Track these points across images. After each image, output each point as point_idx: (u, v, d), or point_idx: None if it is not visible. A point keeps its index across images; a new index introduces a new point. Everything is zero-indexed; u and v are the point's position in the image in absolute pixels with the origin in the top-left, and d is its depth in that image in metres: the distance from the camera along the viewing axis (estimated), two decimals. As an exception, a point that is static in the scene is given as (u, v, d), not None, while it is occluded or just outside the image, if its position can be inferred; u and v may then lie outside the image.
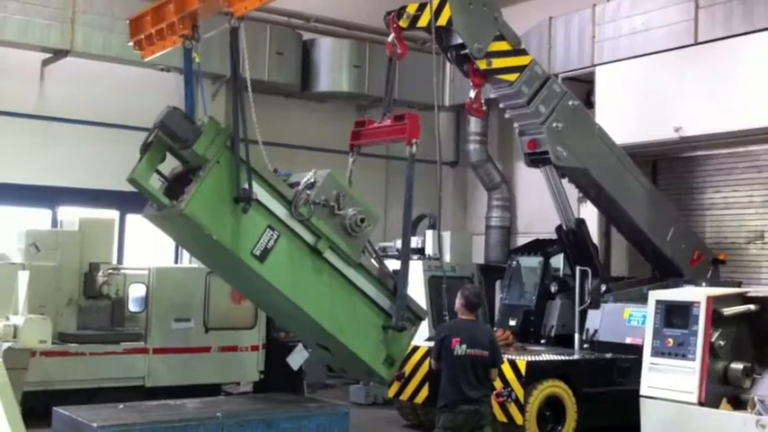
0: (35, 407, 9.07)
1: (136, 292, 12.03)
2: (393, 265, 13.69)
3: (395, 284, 8.09)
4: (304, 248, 7.59)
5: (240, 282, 8.53)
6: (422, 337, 10.49)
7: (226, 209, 7.22)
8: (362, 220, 7.70)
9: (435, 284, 13.08)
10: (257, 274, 7.45)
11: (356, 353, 8.05)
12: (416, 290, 11.95)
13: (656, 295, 8.69)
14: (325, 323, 7.80)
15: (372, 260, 8.22)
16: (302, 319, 7.83)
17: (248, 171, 7.23)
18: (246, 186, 7.20)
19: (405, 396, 11.31)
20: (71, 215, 13.16)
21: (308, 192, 7.50)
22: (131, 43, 8.57)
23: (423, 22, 10.58)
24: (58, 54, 14.97)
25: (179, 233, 8.01)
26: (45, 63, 15.34)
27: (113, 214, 14.65)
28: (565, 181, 12.41)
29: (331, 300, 7.78)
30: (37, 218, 15.18)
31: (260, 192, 7.35)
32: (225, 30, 7.43)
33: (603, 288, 12.13)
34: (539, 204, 15.70)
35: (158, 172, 7.60)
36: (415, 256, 13.61)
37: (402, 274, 8.09)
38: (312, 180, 7.59)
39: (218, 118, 7.65)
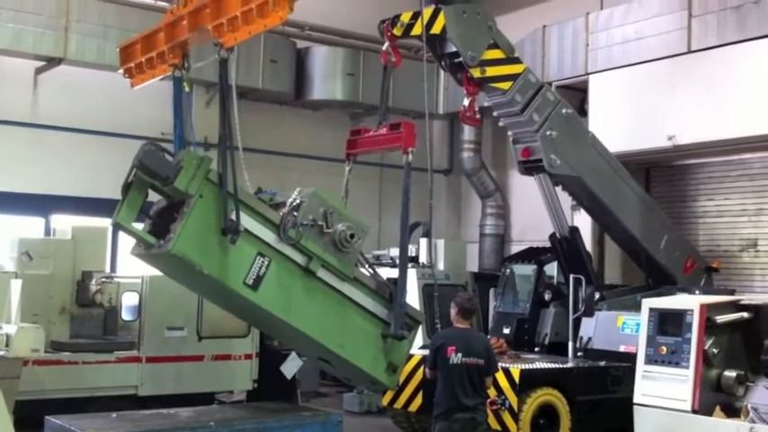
0: (27, 416, 9.02)
1: (129, 300, 11.99)
2: (387, 273, 13.76)
3: (390, 292, 8.07)
4: (296, 270, 7.52)
5: (235, 308, 8.51)
6: (416, 345, 10.48)
7: (214, 242, 7.11)
8: (352, 236, 7.64)
9: (429, 292, 13.08)
10: (252, 303, 7.42)
11: (358, 365, 8.05)
12: (411, 298, 11.92)
13: (649, 303, 8.70)
14: (324, 341, 7.79)
15: (366, 268, 8.20)
16: (302, 337, 7.83)
17: (236, 203, 7.11)
18: (233, 218, 7.10)
19: (399, 404, 11.29)
20: (64, 223, 13.12)
21: (295, 213, 7.40)
22: (121, 71, 8.53)
23: (417, 30, 10.59)
24: (52, 62, 14.97)
25: (169, 269, 7.95)
26: (38, 71, 15.33)
27: (106, 222, 14.56)
28: (558, 189, 12.42)
29: (328, 318, 7.75)
30: (30, 226, 15.14)
31: (246, 220, 7.22)
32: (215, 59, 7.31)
33: (597, 296, 12.13)
34: (532, 212, 15.72)
35: (142, 210, 7.49)
36: (409, 265, 13.60)
37: (400, 283, 8.07)
38: (298, 201, 7.47)
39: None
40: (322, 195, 7.64)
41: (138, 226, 7.50)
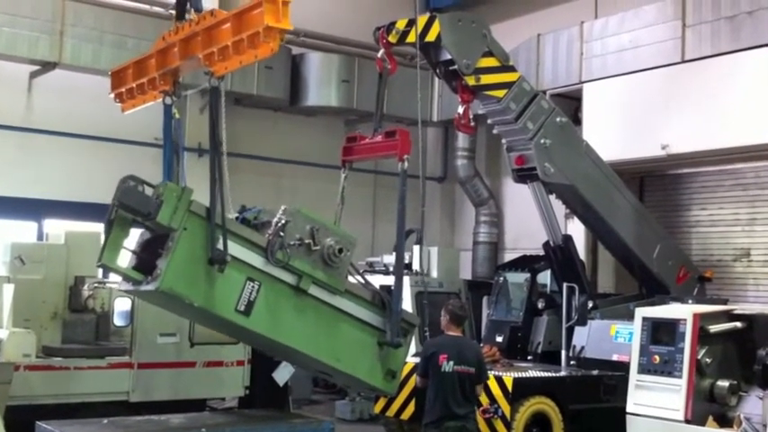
0: (18, 421, 8.98)
1: (121, 306, 11.93)
2: (380, 280, 13.75)
3: (381, 299, 8.05)
4: (287, 290, 7.46)
5: (229, 331, 8.50)
6: (409, 353, 10.47)
7: (202, 273, 7.03)
8: (341, 250, 7.60)
9: (422, 300, 13.07)
10: (245, 328, 7.40)
11: (357, 377, 8.05)
12: (404, 305, 11.89)
13: (642, 312, 8.71)
14: (321, 357, 7.78)
15: (357, 278, 8.16)
16: (298, 354, 7.83)
17: (224, 234, 7.02)
18: (220, 247, 7.01)
19: (391, 412, 11.27)
20: (57, 228, 13.08)
21: (281, 234, 7.37)
22: (112, 95, 8.52)
23: (412, 37, 10.60)
24: (47, 66, 14.95)
25: (160, 302, 7.94)
26: (33, 75, 15.31)
27: (99, 228, 14.51)
28: (552, 197, 12.43)
29: (323, 333, 7.72)
30: (23, 230, 15.09)
31: (232, 247, 7.12)
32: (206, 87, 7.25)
33: (590, 305, 12.14)
34: (526, 220, 15.73)
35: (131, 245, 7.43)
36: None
37: (396, 291, 8.05)
38: (283, 221, 7.43)
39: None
40: (307, 213, 7.56)
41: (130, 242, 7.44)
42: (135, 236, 7.49)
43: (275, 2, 6.42)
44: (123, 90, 8.34)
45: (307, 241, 7.43)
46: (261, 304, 7.31)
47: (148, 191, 7.08)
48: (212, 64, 6.94)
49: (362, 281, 8.13)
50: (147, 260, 7.20)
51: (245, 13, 6.65)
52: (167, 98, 7.85)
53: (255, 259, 7.31)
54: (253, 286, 7.27)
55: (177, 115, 7.94)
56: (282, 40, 6.53)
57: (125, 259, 7.39)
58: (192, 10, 7.45)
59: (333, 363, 7.85)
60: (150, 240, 7.31)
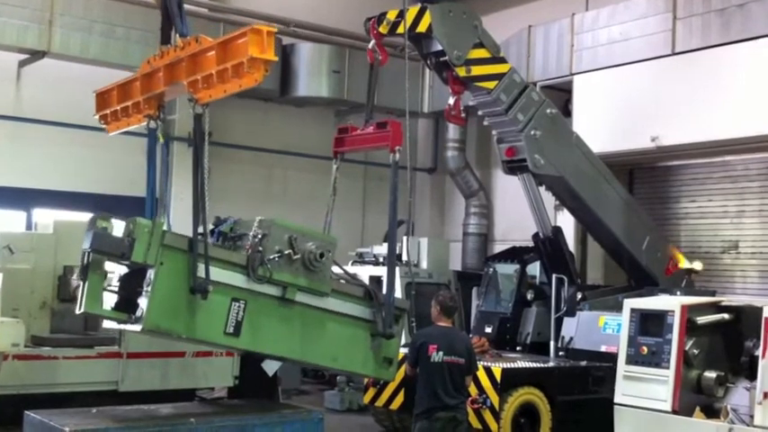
0: (7, 411, 8.98)
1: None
2: (370, 270, 13.75)
3: (368, 291, 8.04)
4: (273, 303, 7.37)
5: (221, 348, 8.49)
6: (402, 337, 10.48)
7: (184, 304, 6.94)
8: (322, 255, 7.53)
9: (410, 291, 13.09)
10: (237, 348, 7.38)
11: (354, 371, 8.07)
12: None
13: (630, 304, 8.74)
14: (316, 360, 7.79)
15: (343, 274, 8.14)
16: (294, 361, 7.86)
17: (206, 263, 6.90)
18: (202, 275, 6.89)
19: (380, 402, 11.29)
20: (46, 218, 13.04)
21: (260, 248, 7.32)
22: (97, 117, 8.43)
23: (403, 28, 10.59)
24: (35, 55, 14.88)
25: (150, 336, 7.93)
26: (22, 64, 15.24)
27: (88, 217, 14.48)
28: (542, 189, 12.46)
29: (315, 338, 7.70)
30: (11, 220, 15.04)
31: (212, 271, 6.99)
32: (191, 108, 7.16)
33: (579, 296, 12.19)
34: (516, 212, 15.76)
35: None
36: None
37: (389, 282, 8.05)
38: (260, 234, 7.36)
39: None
40: (282, 223, 7.44)
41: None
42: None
43: (260, 32, 6.34)
44: (108, 112, 8.23)
45: (286, 252, 7.30)
46: (249, 322, 7.22)
47: (119, 225, 6.96)
48: (196, 91, 6.82)
49: (347, 278, 8.10)
50: (128, 297, 7.08)
51: (230, 42, 6.57)
52: (152, 122, 7.78)
53: (237, 279, 7.19)
54: (239, 306, 7.16)
55: (161, 139, 7.91)
56: (267, 72, 6.43)
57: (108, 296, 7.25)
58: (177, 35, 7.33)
59: (329, 364, 7.87)
60: (129, 275, 7.17)
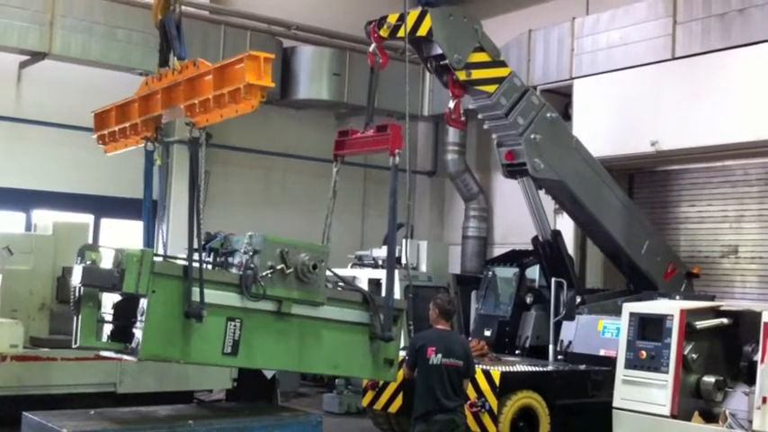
0: (5, 412, 8.96)
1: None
2: (369, 273, 13.75)
3: (364, 295, 8.03)
4: (269, 318, 7.34)
5: (222, 366, 8.47)
6: (401, 338, 10.49)
7: (180, 330, 6.90)
8: (314, 266, 7.50)
9: (412, 294, 13.08)
10: (237, 366, 7.34)
11: (355, 376, 8.05)
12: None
13: (630, 308, 8.75)
14: (317, 370, 7.80)
15: (335, 281, 8.12)
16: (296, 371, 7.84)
17: (201, 287, 6.86)
18: (197, 299, 6.85)
19: (379, 405, 11.28)
20: (45, 219, 13.02)
21: (252, 266, 7.28)
22: (95, 137, 8.44)
23: (403, 32, 10.60)
24: (36, 56, 14.87)
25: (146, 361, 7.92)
26: (22, 65, 15.24)
27: (88, 218, 14.51)
28: (542, 192, 12.46)
29: (314, 348, 7.67)
30: (11, 221, 15.03)
31: (206, 293, 6.96)
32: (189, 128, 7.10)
33: (578, 300, 12.18)
34: (515, 215, 15.76)
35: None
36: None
37: (388, 285, 8.04)
38: (251, 251, 7.33)
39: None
40: (273, 239, 7.38)
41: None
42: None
43: (257, 59, 6.36)
44: (106, 132, 8.25)
45: (279, 267, 7.25)
46: (246, 340, 7.19)
47: (108, 254, 6.93)
48: (194, 115, 6.83)
49: (341, 285, 8.09)
50: (123, 326, 7.06)
51: (227, 67, 6.59)
52: (149, 144, 7.79)
53: (231, 298, 7.15)
54: (235, 325, 7.12)
55: (158, 162, 7.90)
56: (264, 98, 6.42)
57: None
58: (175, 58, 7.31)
59: (331, 371, 7.87)
60: (123, 303, 7.13)
